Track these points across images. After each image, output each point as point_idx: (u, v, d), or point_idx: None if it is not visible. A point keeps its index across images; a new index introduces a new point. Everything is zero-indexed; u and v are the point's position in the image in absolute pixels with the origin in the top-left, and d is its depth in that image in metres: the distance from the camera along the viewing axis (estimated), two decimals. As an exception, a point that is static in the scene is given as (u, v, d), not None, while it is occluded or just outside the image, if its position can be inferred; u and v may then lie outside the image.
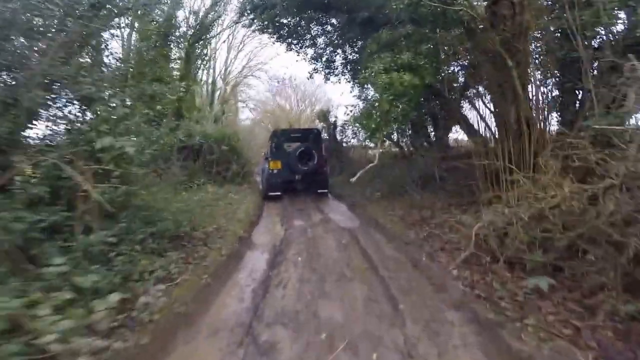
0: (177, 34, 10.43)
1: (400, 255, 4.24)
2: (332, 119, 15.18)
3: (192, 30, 10.72)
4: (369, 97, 7.10)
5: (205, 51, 12.05)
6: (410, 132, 12.55)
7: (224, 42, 19.62)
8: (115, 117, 3.23)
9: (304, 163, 8.81)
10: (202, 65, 13.20)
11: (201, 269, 3.72)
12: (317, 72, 10.33)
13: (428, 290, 3.42)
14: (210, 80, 19.92)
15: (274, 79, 21.55)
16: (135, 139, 3.30)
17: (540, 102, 5.07)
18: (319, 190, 9.38)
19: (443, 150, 9.87)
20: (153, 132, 3.77)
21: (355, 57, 9.58)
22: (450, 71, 6.96)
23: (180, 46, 10.67)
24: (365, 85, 7.14)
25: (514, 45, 4.53)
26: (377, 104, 4.99)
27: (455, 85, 8.14)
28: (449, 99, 6.72)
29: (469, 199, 5.69)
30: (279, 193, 8.92)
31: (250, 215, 6.74)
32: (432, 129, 11.06)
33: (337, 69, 10.20)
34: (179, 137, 5.02)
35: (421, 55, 4.72)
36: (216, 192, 8.32)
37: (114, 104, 3.33)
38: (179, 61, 10.62)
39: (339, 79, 10.55)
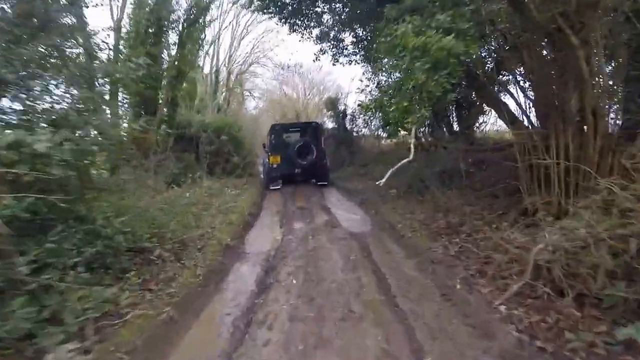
0: (171, 18, 9.54)
1: (426, 279, 3.30)
2: (341, 107, 14.16)
3: (186, 14, 9.74)
4: (391, 69, 5.71)
5: (202, 36, 11.11)
6: (429, 120, 11.50)
7: (226, 28, 18.60)
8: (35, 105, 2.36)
9: (303, 157, 8.84)
10: (200, 51, 12.27)
11: (163, 298, 2.87)
12: (323, 53, 9.30)
13: (466, 334, 2.50)
14: (214, 69, 19.02)
15: (280, 66, 20.23)
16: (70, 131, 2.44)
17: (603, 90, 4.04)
18: (318, 183, 9.45)
19: (469, 142, 8.84)
20: (88, 121, 2.86)
21: (366, 36, 8.52)
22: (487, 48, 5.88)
23: (174, 30, 9.77)
24: (384, 62, 5.96)
25: (578, 20, 3.50)
26: (407, 75, 3.85)
27: (486, 67, 7.06)
28: (483, 82, 5.67)
29: (506, 203, 4.72)
30: (279, 187, 9.04)
31: (245, 215, 5.88)
32: (455, 118, 10.00)
33: (346, 48, 9.14)
34: (140, 127, 4.08)
35: (463, 17, 3.66)
36: (212, 186, 7.50)
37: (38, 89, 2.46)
38: (173, 46, 9.73)
39: (349, 60, 9.50)
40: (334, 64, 9.47)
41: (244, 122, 16.99)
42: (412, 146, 4.21)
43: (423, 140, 12.05)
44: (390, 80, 5.88)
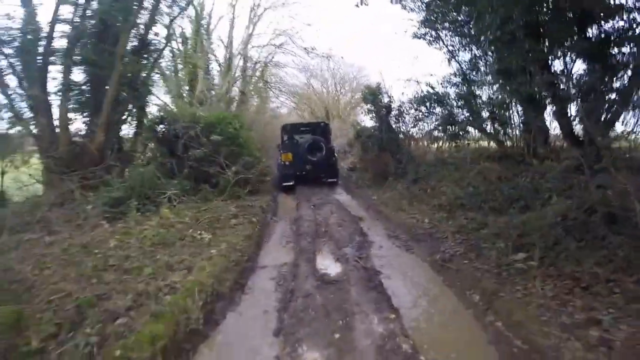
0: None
1: None
2: (384, 100, 10.78)
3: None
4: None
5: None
6: (522, 116, 7.98)
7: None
8: None
9: (313, 154, 9.37)
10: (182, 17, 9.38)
11: None
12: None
13: None
14: (227, 56, 16.24)
15: (308, 50, 16.74)
16: None
17: None
18: (328, 180, 9.83)
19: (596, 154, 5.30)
20: None
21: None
22: None
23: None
24: None
25: None
26: None
27: None
28: None
29: None
30: (292, 183, 9.28)
31: (193, 318, 2.73)
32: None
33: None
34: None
35: None
36: (173, 221, 4.49)
37: None
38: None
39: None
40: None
41: (258, 119, 14.20)
42: None
43: (508, 144, 8.53)
44: None
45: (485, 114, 9.05)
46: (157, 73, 7.88)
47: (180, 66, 13.68)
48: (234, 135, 7.35)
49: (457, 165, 8.14)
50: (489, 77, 9.16)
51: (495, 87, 9.06)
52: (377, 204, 6.89)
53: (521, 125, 8.04)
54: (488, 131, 8.82)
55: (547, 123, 7.42)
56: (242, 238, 4.23)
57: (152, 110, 8.92)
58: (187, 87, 13.04)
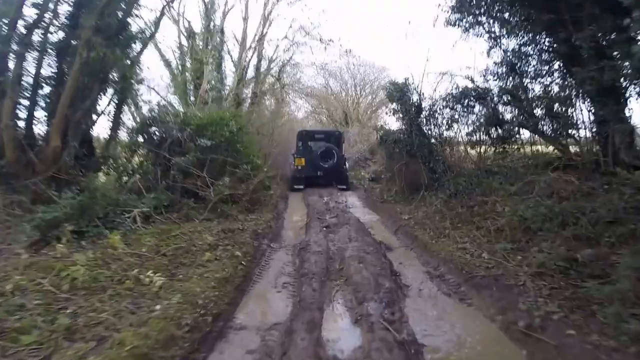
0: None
1: None
2: (414, 98, 9.31)
3: None
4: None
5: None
6: (594, 112, 6.37)
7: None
8: None
9: (325, 161, 10.06)
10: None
11: None
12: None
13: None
14: (240, 53, 15.18)
15: (325, 43, 15.28)
16: None
17: None
18: (338, 186, 10.35)
19: None
20: None
21: None
22: None
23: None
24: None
25: None
26: None
27: None
28: None
29: None
30: (302, 186, 9.96)
31: None
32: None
33: None
34: None
35: None
36: (115, 257, 3.25)
37: None
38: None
39: None
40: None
41: (268, 122, 13.10)
42: None
43: (576, 149, 6.87)
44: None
45: (539, 111, 7.51)
46: (141, 68, 6.77)
47: (189, 64, 12.81)
48: (230, 139, 6.12)
49: (505, 175, 6.61)
50: (545, 67, 7.69)
51: (550, 79, 7.58)
52: (409, 225, 5.44)
53: (591, 124, 6.45)
54: (545, 133, 7.26)
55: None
56: (214, 283, 2.90)
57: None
58: (192, 86, 12.09)
